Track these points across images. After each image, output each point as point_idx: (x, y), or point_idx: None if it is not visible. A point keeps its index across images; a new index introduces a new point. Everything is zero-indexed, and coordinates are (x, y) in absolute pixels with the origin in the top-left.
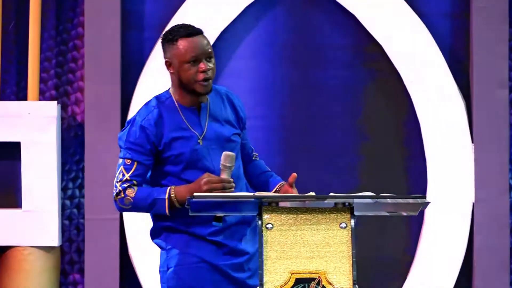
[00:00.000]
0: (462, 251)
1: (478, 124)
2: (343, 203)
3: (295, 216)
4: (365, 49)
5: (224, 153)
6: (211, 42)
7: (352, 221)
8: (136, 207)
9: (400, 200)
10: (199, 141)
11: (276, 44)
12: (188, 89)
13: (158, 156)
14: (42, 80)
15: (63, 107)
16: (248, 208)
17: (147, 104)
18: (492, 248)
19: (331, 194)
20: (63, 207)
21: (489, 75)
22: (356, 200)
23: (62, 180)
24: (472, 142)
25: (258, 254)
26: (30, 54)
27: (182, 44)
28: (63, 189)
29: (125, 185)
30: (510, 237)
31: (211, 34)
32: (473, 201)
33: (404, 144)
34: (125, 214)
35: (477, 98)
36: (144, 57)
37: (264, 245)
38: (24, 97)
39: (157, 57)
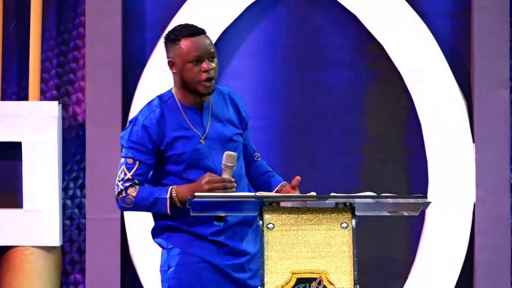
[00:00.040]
0: (463, 251)
1: (479, 124)
2: (344, 203)
3: (296, 216)
4: (366, 49)
5: (226, 152)
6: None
7: (353, 221)
8: (137, 206)
9: (401, 200)
10: (201, 140)
11: (277, 44)
12: (191, 89)
13: (160, 155)
14: (43, 80)
15: (64, 107)
16: (249, 208)
17: (149, 103)
18: (493, 247)
19: (332, 194)
20: (64, 207)
21: (490, 75)
22: (357, 200)
23: (63, 180)
24: (473, 142)
25: (259, 254)
26: (31, 54)
27: (184, 44)
28: (64, 189)
29: (127, 184)
30: (511, 236)
31: (212, 34)
32: (474, 201)
33: (405, 144)
34: (126, 214)
35: (478, 98)
36: (145, 57)
37: (265, 245)
38: (25, 97)
39: (158, 57)
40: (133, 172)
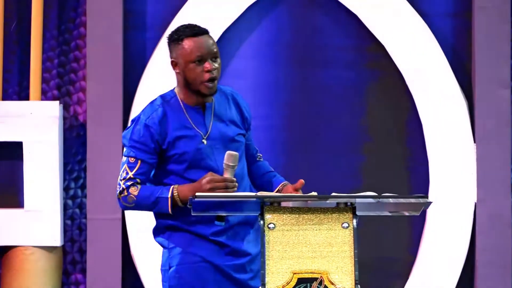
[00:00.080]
0: (464, 251)
1: (480, 124)
2: (345, 203)
3: (297, 216)
4: (368, 49)
5: (228, 152)
6: None
7: (354, 221)
8: (139, 205)
9: (402, 200)
10: (203, 140)
11: (278, 44)
12: (193, 89)
13: (162, 154)
14: (44, 80)
15: (65, 107)
16: (250, 208)
17: (152, 102)
18: (494, 247)
19: (333, 194)
20: (65, 207)
21: (491, 75)
22: (358, 200)
23: (64, 180)
24: (474, 142)
25: (260, 254)
26: (32, 54)
27: (187, 43)
28: (65, 189)
29: (129, 183)
30: None
31: (213, 34)
32: (475, 201)
33: (406, 144)
34: (127, 213)
35: (479, 98)
36: (146, 57)
37: (266, 245)
38: (26, 97)
39: (159, 57)
40: (135, 171)
